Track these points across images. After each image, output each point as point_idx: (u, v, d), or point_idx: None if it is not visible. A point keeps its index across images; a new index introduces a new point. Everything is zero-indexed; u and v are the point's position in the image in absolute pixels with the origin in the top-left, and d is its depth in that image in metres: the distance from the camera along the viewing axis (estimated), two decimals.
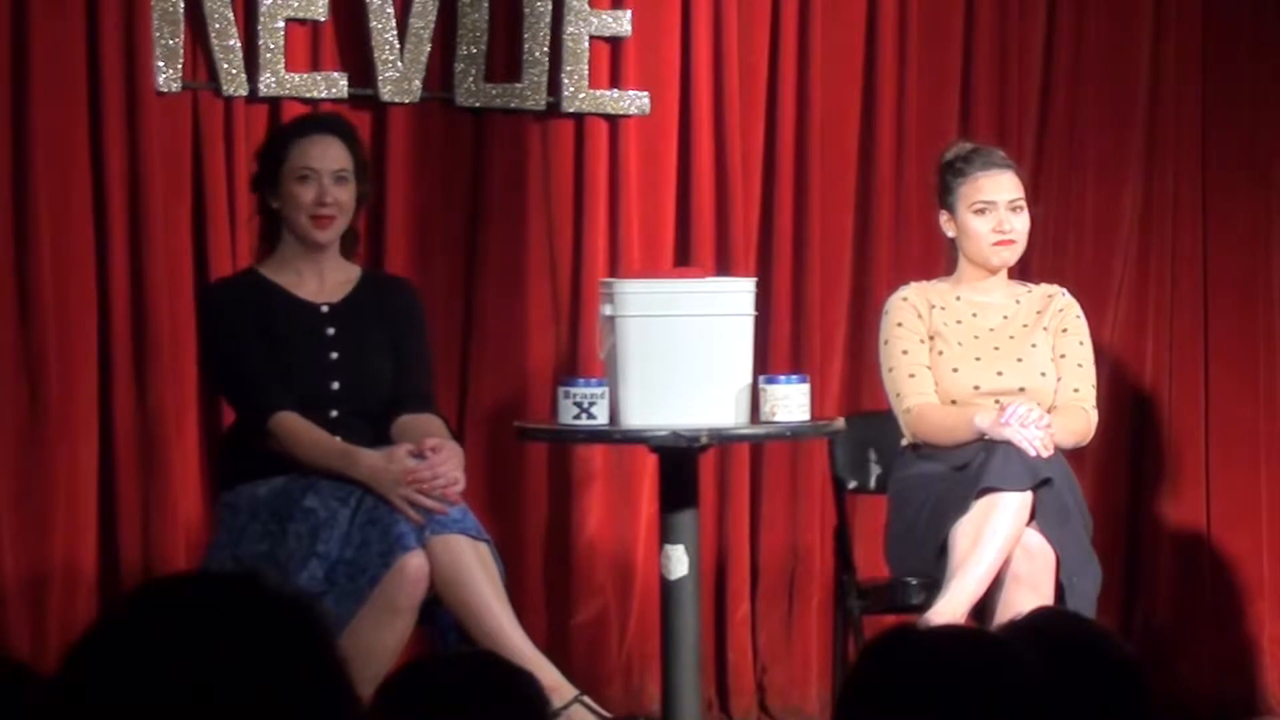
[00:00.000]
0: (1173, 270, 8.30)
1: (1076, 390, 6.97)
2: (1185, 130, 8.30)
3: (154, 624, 2.46)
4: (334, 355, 6.71)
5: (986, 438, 6.76)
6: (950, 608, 6.51)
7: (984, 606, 6.60)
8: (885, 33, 8.09)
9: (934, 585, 6.67)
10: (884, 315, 7.11)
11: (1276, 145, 8.33)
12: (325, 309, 6.74)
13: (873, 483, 7.34)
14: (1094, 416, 7.00)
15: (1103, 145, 8.26)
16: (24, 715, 2.58)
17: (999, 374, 6.95)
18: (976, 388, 6.95)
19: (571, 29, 7.85)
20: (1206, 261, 8.32)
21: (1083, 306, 7.14)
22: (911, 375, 6.99)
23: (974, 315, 7.03)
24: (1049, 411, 6.84)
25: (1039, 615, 3.68)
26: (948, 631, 3.40)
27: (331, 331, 6.72)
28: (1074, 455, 7.00)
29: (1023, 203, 7.03)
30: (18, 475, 7.53)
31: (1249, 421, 8.30)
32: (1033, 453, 6.68)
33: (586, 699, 6.64)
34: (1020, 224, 7.03)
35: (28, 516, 7.53)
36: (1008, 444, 6.69)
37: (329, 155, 6.73)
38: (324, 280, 6.78)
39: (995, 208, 6.99)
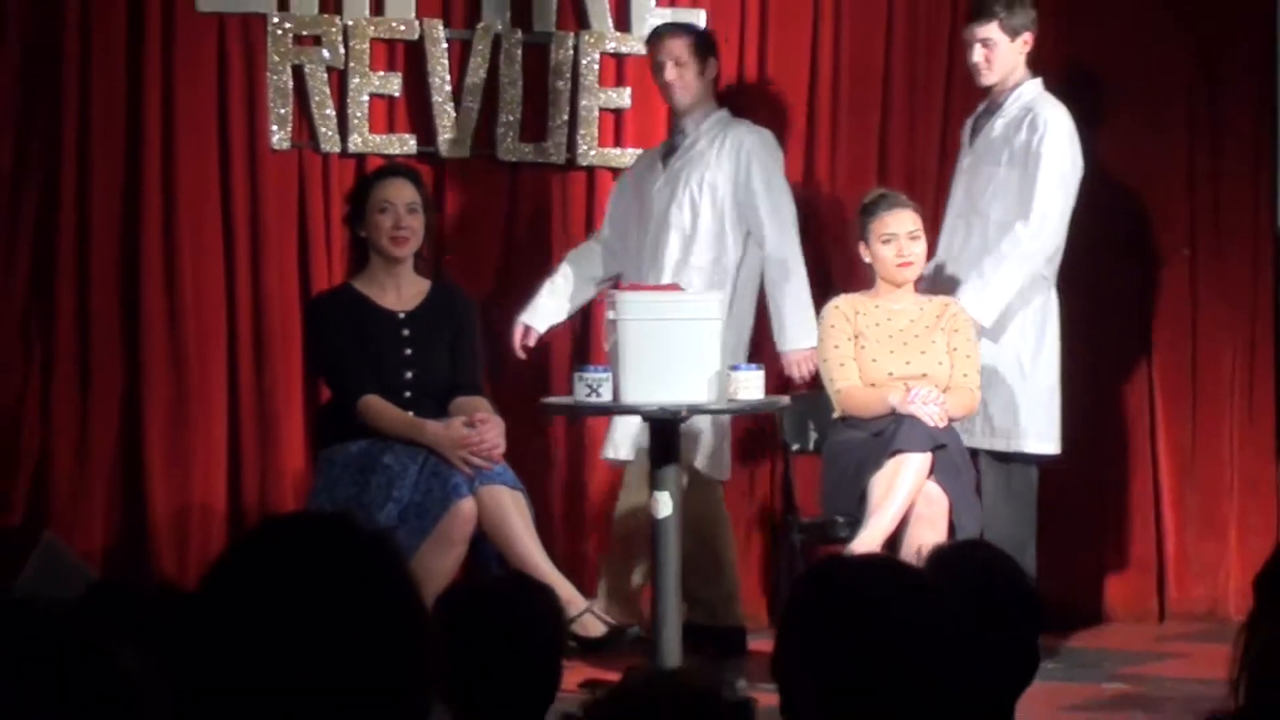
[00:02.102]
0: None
1: (965, 375, 6.96)
2: None
3: (271, 553, 2.47)
4: (408, 352, 6.70)
5: (897, 412, 6.77)
6: (869, 540, 6.51)
7: (895, 539, 6.60)
8: (822, 107, 8.06)
9: (857, 523, 6.66)
10: (820, 319, 7.10)
11: (1116, 197, 8.28)
12: (402, 315, 6.73)
13: (811, 445, 7.34)
14: (978, 394, 6.99)
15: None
16: (171, 623, 2.57)
17: (907, 363, 6.95)
18: (890, 374, 6.94)
19: (585, 102, 7.85)
20: (1065, 277, 8.26)
21: None
22: (841, 364, 6.99)
23: (888, 319, 7.02)
24: (944, 392, 6.85)
25: (963, 546, 3.66)
26: (867, 559, 3.41)
27: (406, 333, 6.71)
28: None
29: (919, 232, 7.02)
30: (166, 439, 7.54)
31: (1096, 394, 8.28)
32: (931, 424, 6.69)
33: (595, 609, 6.65)
34: (918, 249, 7.02)
35: (174, 470, 7.54)
36: (913, 417, 6.70)
37: (402, 192, 6.73)
38: (401, 291, 6.77)
39: (897, 238, 6.99)
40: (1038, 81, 7.35)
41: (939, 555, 3.54)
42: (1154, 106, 8.26)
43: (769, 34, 8.01)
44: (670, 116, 7.57)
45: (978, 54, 7.29)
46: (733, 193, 7.27)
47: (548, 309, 7.48)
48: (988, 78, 7.31)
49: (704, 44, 7.40)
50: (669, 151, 7.44)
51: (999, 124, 7.29)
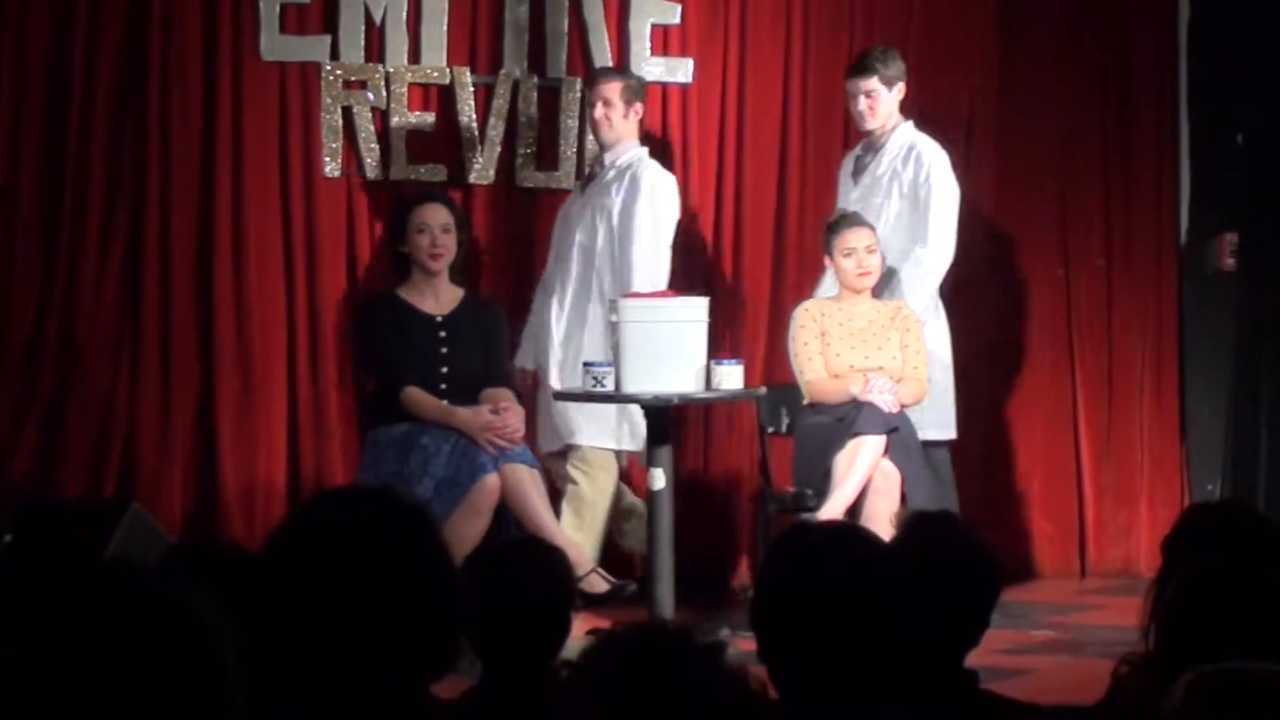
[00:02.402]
0: (975, 290, 8.26)
1: (915, 368, 6.97)
2: (983, 201, 8.27)
3: (325, 520, 2.47)
4: (444, 350, 6.71)
5: (857, 399, 6.77)
6: (832, 509, 6.52)
7: (855, 509, 6.61)
8: (793, 139, 8.06)
9: (822, 495, 6.67)
10: (792, 320, 7.10)
11: (1040, 216, 8.30)
12: (439, 319, 6.74)
13: (784, 428, 7.34)
14: (927, 385, 6.99)
15: None
16: (239, 581, 2.59)
17: (865, 358, 6.95)
18: (851, 366, 6.94)
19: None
20: (997, 284, 8.28)
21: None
22: (809, 359, 6.99)
23: (849, 320, 7.03)
24: (897, 382, 6.85)
25: (932, 517, 3.63)
26: (830, 525, 3.42)
27: (443, 334, 6.73)
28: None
29: (875, 246, 7.02)
30: (235, 423, 7.53)
31: (1024, 386, 8.28)
32: (886, 410, 6.69)
33: (599, 570, 6.66)
34: (875, 261, 7.02)
35: (242, 450, 7.54)
36: (871, 404, 6.71)
37: (437, 215, 6.73)
38: (439, 298, 6.78)
39: (856, 252, 6.99)
40: (910, 123, 7.35)
41: (912, 522, 3.53)
42: (1072, 139, 8.27)
43: (747, 79, 8.01)
44: (599, 150, 7.45)
45: (862, 104, 7.25)
46: (620, 222, 7.19)
47: (527, 350, 7.31)
48: (871, 124, 7.28)
49: (633, 89, 7.30)
50: (589, 181, 7.36)
51: (884, 161, 7.28)
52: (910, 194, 7.20)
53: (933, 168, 7.19)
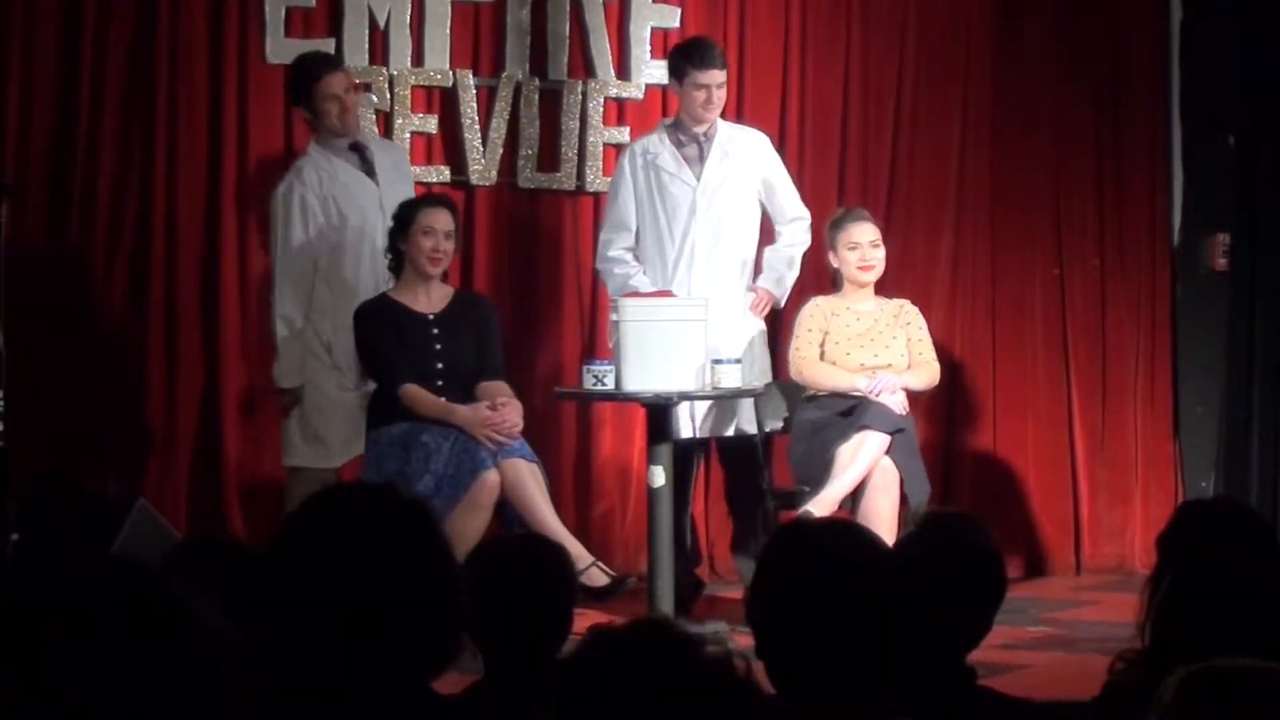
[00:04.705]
0: (971, 289, 8.30)
1: (921, 354, 7.00)
2: (979, 202, 8.29)
3: (330, 517, 2.48)
4: (438, 346, 6.70)
5: (865, 395, 6.79)
6: (827, 499, 6.57)
7: (855, 504, 6.63)
8: (791, 139, 8.07)
9: (821, 487, 6.68)
10: (800, 311, 7.10)
11: (1036, 217, 8.31)
12: (432, 317, 6.73)
13: (781, 425, 7.33)
14: (937, 368, 7.02)
15: (928, 209, 8.24)
16: (244, 577, 2.59)
17: (875, 355, 6.97)
18: (861, 365, 6.96)
19: (591, 138, 7.86)
20: (994, 284, 8.31)
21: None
22: (808, 344, 7.00)
23: (856, 319, 7.04)
24: (908, 369, 6.89)
25: (949, 518, 3.62)
26: (825, 522, 3.41)
27: (436, 332, 6.71)
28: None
29: (879, 241, 7.03)
30: (240, 421, 7.53)
31: (1020, 384, 8.29)
32: (898, 411, 6.73)
33: (600, 564, 6.65)
34: (877, 255, 7.03)
35: (247, 448, 7.55)
36: (881, 404, 6.74)
37: (443, 220, 6.70)
38: (431, 297, 6.76)
39: (860, 246, 7.00)
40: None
41: (925, 520, 3.52)
42: (1067, 140, 8.30)
43: (745, 82, 8.02)
44: (332, 136, 7.05)
45: (713, 96, 7.02)
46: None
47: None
48: (713, 115, 7.07)
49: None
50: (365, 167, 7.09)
51: (732, 149, 7.10)
52: (756, 176, 7.13)
53: (770, 149, 7.20)
